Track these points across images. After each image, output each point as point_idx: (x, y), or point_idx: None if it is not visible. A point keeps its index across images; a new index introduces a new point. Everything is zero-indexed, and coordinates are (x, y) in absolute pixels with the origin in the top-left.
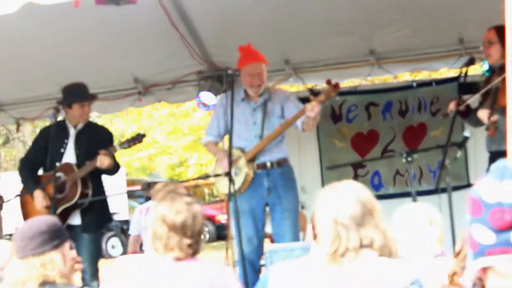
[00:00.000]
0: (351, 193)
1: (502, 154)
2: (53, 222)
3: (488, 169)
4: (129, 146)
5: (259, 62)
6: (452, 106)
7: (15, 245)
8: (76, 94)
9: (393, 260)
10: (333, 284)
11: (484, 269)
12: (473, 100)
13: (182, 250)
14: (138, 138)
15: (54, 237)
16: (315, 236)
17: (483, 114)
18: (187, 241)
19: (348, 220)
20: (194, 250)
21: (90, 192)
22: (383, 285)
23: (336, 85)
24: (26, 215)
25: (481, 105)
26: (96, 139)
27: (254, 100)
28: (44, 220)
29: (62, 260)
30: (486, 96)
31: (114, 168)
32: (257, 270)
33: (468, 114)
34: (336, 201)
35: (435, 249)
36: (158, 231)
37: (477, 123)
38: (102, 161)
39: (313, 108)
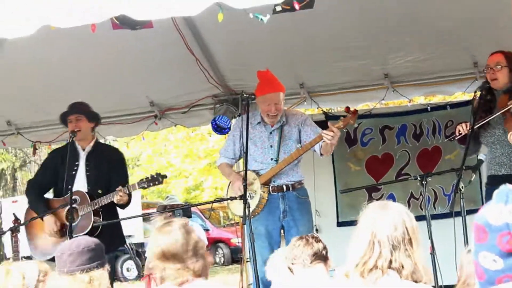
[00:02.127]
0: (398, 214)
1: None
2: (98, 241)
3: (488, 194)
4: (148, 187)
5: (277, 92)
6: (460, 128)
7: (60, 260)
8: (64, 112)
9: (416, 284)
10: None
11: None
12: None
13: (181, 274)
14: (158, 179)
15: (101, 255)
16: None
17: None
18: (177, 266)
19: (386, 239)
20: (196, 270)
21: (100, 225)
22: None
23: (355, 112)
24: (32, 237)
25: (484, 130)
26: (106, 161)
27: (270, 124)
28: (90, 239)
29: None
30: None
31: (128, 203)
32: None
33: (466, 140)
34: (381, 217)
35: None
36: (153, 267)
37: (474, 150)
38: (121, 198)
39: (333, 136)
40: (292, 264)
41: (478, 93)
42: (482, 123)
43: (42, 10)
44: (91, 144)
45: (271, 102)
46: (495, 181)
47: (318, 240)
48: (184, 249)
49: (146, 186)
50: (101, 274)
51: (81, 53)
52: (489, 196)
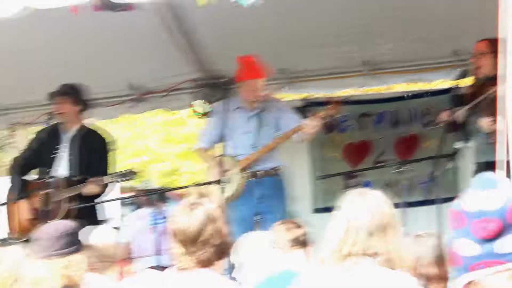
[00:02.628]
0: (376, 202)
1: (490, 165)
2: (76, 225)
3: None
4: (117, 182)
5: (258, 78)
6: (443, 116)
7: (38, 245)
8: (52, 92)
9: (392, 271)
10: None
11: (467, 285)
12: (462, 112)
13: (183, 260)
14: (128, 176)
15: (77, 240)
16: None
17: (484, 122)
18: (187, 249)
19: (363, 226)
20: (201, 260)
21: (75, 210)
22: None
23: (338, 104)
24: (10, 218)
25: (470, 116)
26: (88, 146)
27: (249, 109)
28: (68, 223)
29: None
30: (482, 107)
31: (100, 194)
32: None
33: (458, 128)
34: (358, 204)
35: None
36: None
37: (467, 135)
38: (90, 189)
39: (313, 128)
40: (273, 248)
41: (458, 81)
42: (461, 110)
43: None
44: (75, 127)
45: (251, 88)
46: (479, 169)
47: (298, 226)
48: (195, 237)
49: (115, 181)
50: (79, 259)
51: (61, 35)
52: None
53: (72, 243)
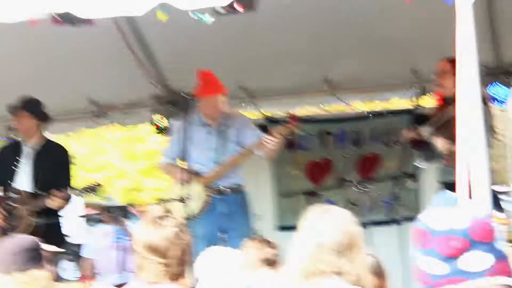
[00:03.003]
0: (341, 220)
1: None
2: (35, 240)
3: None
4: (81, 195)
5: (217, 94)
6: (408, 133)
7: None
8: (13, 105)
9: None
10: None
11: None
12: (426, 132)
13: (153, 272)
14: (94, 189)
15: (38, 256)
16: None
17: (440, 143)
18: (159, 261)
19: (330, 244)
20: (170, 274)
21: (39, 225)
22: None
23: (297, 120)
24: None
25: (433, 135)
26: (50, 160)
27: (211, 125)
28: (27, 237)
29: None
30: (440, 127)
31: (63, 207)
32: None
33: (423, 146)
34: (325, 222)
35: None
36: (136, 254)
37: (431, 156)
38: (53, 203)
39: (276, 144)
40: (238, 265)
41: (417, 101)
42: (422, 130)
43: None
44: (37, 141)
45: (211, 104)
46: (444, 188)
47: (270, 245)
48: (165, 249)
49: (79, 194)
50: (40, 274)
51: (21, 48)
52: None
53: (33, 259)
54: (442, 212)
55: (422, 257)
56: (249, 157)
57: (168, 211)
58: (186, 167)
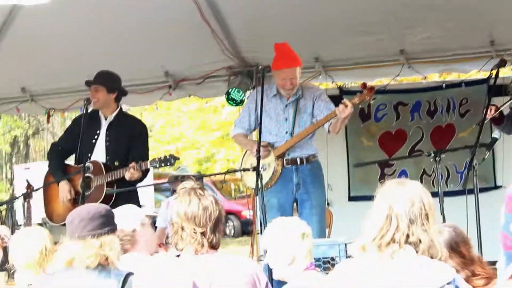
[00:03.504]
0: (416, 191)
1: None
2: (109, 208)
3: None
4: (160, 167)
5: (294, 67)
6: (491, 111)
7: (71, 226)
8: (88, 80)
9: (432, 260)
10: (373, 275)
11: None
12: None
13: (197, 242)
14: (170, 161)
15: (112, 222)
16: None
17: None
18: (199, 230)
19: (403, 214)
20: (210, 241)
21: (114, 194)
22: (420, 282)
23: (371, 89)
24: (47, 201)
25: None
26: (127, 133)
27: (286, 97)
28: (101, 205)
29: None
30: None
31: (140, 179)
32: None
33: (502, 121)
34: (399, 193)
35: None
36: (174, 226)
37: (510, 128)
38: (132, 175)
39: (345, 110)
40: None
41: (494, 72)
42: (506, 104)
43: None
44: (114, 114)
45: (287, 77)
46: None
47: None
48: (208, 218)
49: (157, 166)
50: (112, 239)
51: (97, 21)
52: None
53: (105, 225)
54: None
55: (511, 221)
56: (319, 127)
57: (196, 186)
58: (259, 137)
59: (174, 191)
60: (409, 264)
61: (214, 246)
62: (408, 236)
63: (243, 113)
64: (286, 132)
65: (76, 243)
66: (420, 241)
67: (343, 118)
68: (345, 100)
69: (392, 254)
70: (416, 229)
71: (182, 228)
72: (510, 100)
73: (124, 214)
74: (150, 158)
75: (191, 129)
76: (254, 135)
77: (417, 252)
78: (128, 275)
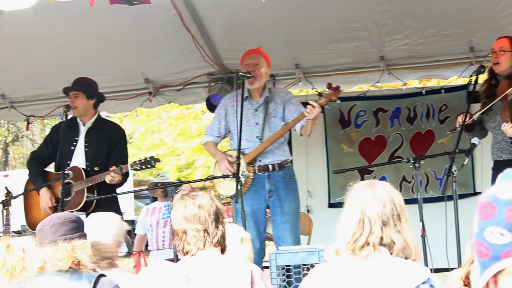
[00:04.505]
0: (386, 192)
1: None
2: (79, 216)
3: (493, 178)
4: (141, 169)
5: (258, 53)
6: (460, 119)
7: (42, 233)
8: (66, 87)
9: (406, 261)
10: (347, 278)
11: (495, 276)
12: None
13: (201, 240)
14: (150, 163)
15: (82, 229)
16: None
17: (507, 128)
18: (201, 228)
19: (376, 216)
20: (215, 237)
21: (94, 200)
22: (396, 283)
23: (337, 88)
24: (28, 209)
25: (486, 115)
26: (106, 137)
27: (255, 100)
28: (71, 213)
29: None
30: (491, 105)
31: (121, 183)
32: None
33: (473, 127)
34: (369, 195)
35: None
36: (178, 233)
37: (482, 135)
38: (112, 178)
39: (312, 110)
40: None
41: (473, 78)
42: (480, 112)
43: None
44: (92, 119)
45: (251, 62)
46: (499, 166)
47: None
48: (207, 214)
49: (138, 168)
50: (83, 243)
51: (77, 28)
52: (494, 180)
53: (76, 230)
54: (509, 184)
55: (486, 228)
56: (288, 130)
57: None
58: (239, 144)
59: (154, 198)
60: (384, 265)
61: (219, 243)
62: (382, 238)
63: (213, 120)
64: (257, 137)
65: (47, 248)
66: (393, 242)
67: (312, 119)
68: (312, 102)
69: (366, 257)
70: (389, 231)
71: (185, 232)
72: (480, 109)
73: (107, 224)
74: (133, 160)
75: (171, 135)
76: (224, 142)
77: (391, 253)
78: (100, 276)
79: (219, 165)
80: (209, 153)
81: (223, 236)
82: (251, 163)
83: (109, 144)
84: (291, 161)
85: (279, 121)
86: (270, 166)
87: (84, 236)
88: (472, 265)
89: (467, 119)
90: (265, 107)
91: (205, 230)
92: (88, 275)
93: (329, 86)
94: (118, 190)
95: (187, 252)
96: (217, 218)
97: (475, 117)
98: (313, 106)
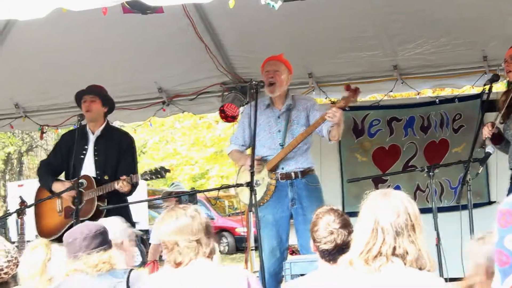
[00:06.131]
0: (400, 202)
1: None
2: (104, 225)
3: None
4: (151, 179)
5: (278, 60)
6: (486, 131)
7: (73, 245)
8: (81, 91)
9: (420, 272)
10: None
11: None
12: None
13: (194, 251)
14: (160, 173)
15: (108, 237)
16: (315, 248)
17: None
18: (193, 238)
19: (389, 225)
20: (207, 248)
21: (107, 209)
22: None
23: (356, 90)
24: (39, 217)
25: (505, 124)
26: (115, 146)
27: (278, 107)
28: (98, 223)
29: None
30: (509, 112)
31: (130, 192)
32: (279, 281)
33: (501, 140)
34: (383, 204)
35: None
36: (168, 245)
37: (508, 146)
38: (122, 186)
39: (335, 114)
40: None
41: (487, 87)
42: (497, 121)
43: None
44: (101, 128)
45: (271, 68)
46: None
47: None
48: (198, 224)
49: (148, 178)
50: (116, 253)
51: (91, 37)
52: None
53: (106, 241)
54: None
55: (506, 236)
56: (309, 135)
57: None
58: (253, 152)
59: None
60: (397, 276)
61: (211, 253)
62: (395, 248)
63: (238, 130)
64: (280, 144)
65: (85, 258)
66: (407, 252)
67: (336, 122)
68: (331, 105)
69: (379, 267)
70: (403, 241)
71: (177, 244)
72: (497, 116)
73: (113, 225)
74: (144, 170)
75: (185, 145)
76: (249, 151)
77: (405, 264)
78: (131, 270)
79: (242, 173)
80: (234, 161)
81: (213, 249)
82: (273, 170)
83: (118, 152)
84: (313, 168)
85: (301, 127)
86: (293, 174)
87: (111, 246)
88: (475, 278)
89: (492, 129)
90: (287, 115)
91: (198, 241)
92: (122, 271)
93: (348, 87)
94: (133, 199)
95: (179, 263)
96: (208, 230)
97: (497, 123)
98: (335, 111)
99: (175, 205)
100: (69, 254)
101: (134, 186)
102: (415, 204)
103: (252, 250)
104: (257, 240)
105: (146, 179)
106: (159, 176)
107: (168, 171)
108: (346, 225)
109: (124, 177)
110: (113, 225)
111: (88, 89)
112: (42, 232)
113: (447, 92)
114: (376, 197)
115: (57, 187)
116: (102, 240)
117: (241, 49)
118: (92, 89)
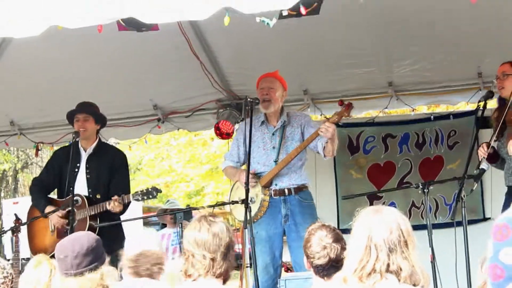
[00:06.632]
0: (392, 218)
1: None
2: (97, 237)
3: (506, 204)
4: (142, 200)
5: (273, 77)
6: (482, 152)
7: (65, 263)
8: (73, 110)
9: (415, 287)
10: None
11: None
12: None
13: (205, 268)
14: (152, 193)
15: (102, 251)
16: (309, 265)
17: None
18: (208, 256)
19: (382, 242)
20: (219, 268)
21: (100, 227)
22: None
23: (349, 105)
24: (32, 236)
25: (499, 142)
26: (107, 164)
27: (273, 124)
28: (90, 235)
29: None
30: (502, 129)
31: (122, 211)
32: None
33: (497, 159)
34: (376, 221)
35: None
36: (186, 253)
37: (503, 164)
38: (114, 207)
39: (328, 129)
40: None
41: (482, 103)
42: (493, 139)
43: (50, 11)
44: (93, 145)
45: (266, 86)
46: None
47: None
48: (218, 244)
49: (140, 199)
50: (109, 269)
51: (86, 54)
52: (507, 205)
53: (99, 256)
54: None
55: (502, 249)
56: (302, 150)
57: (212, 215)
58: (248, 169)
59: (163, 225)
60: None
61: (222, 275)
62: (388, 265)
63: (232, 146)
64: (274, 161)
65: (73, 280)
66: (401, 269)
67: (329, 137)
68: (325, 121)
69: (374, 285)
70: (396, 258)
71: (193, 255)
72: (492, 136)
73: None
74: (136, 190)
75: (181, 162)
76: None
77: (399, 280)
78: None
79: (239, 178)
80: (228, 177)
81: (228, 269)
82: (266, 186)
83: (111, 170)
84: (307, 185)
85: (296, 144)
86: (286, 190)
87: (105, 259)
88: None
89: (488, 150)
90: (282, 131)
91: (213, 259)
92: None
93: (341, 103)
94: (127, 216)
95: (189, 275)
96: (228, 251)
97: (492, 143)
98: (328, 125)
99: (207, 214)
100: (60, 270)
101: (126, 206)
102: (407, 220)
103: (247, 267)
104: (251, 257)
105: (138, 200)
106: (150, 196)
107: (160, 191)
108: (338, 240)
109: (116, 197)
110: (148, 236)
111: (80, 107)
112: (35, 250)
113: (442, 108)
114: (369, 213)
115: (50, 210)
116: (94, 258)
117: (237, 66)
118: (85, 107)
